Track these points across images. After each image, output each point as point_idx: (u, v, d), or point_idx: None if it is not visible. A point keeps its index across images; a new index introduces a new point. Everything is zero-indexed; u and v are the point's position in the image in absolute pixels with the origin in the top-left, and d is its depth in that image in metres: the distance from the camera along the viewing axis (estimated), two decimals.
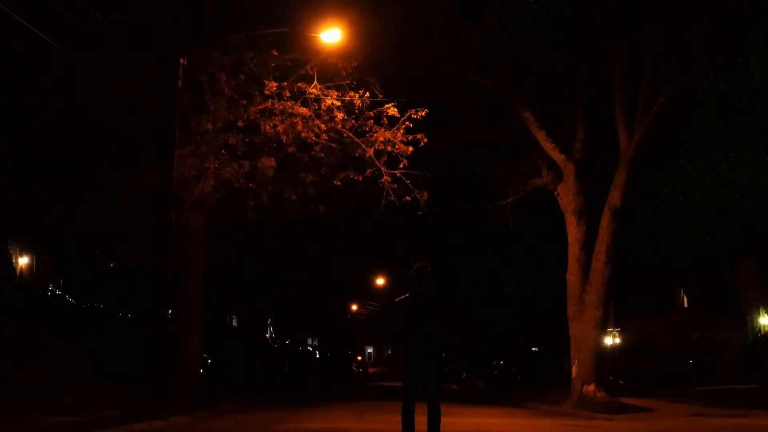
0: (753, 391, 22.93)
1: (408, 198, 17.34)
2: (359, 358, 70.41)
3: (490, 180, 22.22)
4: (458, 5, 18.38)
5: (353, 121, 17.12)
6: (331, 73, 16.94)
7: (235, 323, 45.94)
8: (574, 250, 19.60)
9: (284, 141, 16.99)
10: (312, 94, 16.78)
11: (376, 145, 17.08)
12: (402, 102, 16.86)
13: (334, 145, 17.58)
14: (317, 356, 58.83)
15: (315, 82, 16.73)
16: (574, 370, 19.01)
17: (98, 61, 16.42)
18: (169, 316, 17.28)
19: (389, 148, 17.04)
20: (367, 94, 16.80)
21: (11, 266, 25.49)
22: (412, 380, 8.44)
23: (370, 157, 17.29)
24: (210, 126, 16.71)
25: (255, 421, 15.12)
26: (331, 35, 16.01)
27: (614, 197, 18.45)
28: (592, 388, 18.27)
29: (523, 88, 19.27)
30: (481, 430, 13.65)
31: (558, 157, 19.51)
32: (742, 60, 18.94)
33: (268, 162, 17.23)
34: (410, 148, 16.92)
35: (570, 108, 20.07)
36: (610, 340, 36.45)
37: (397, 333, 8.61)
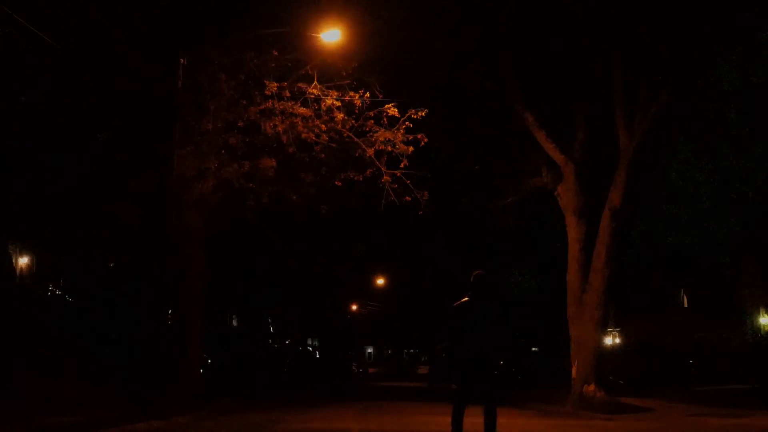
0: (753, 391, 22.93)
1: (408, 198, 17.35)
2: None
3: (490, 180, 22.22)
4: (458, 6, 18.37)
5: (353, 121, 17.14)
6: (331, 73, 16.96)
7: (235, 323, 45.88)
8: (574, 250, 19.59)
9: (284, 141, 17.00)
10: (312, 94, 16.80)
11: (377, 145, 17.11)
12: (402, 102, 16.87)
13: (334, 145, 17.60)
14: (317, 356, 58.80)
15: (315, 82, 16.75)
16: (574, 370, 19.00)
17: (98, 60, 16.42)
18: (169, 316, 17.27)
19: (389, 148, 17.06)
20: (367, 94, 16.82)
21: (11, 266, 25.42)
22: (467, 383, 8.48)
23: (370, 157, 17.31)
24: (210, 126, 16.73)
25: (255, 421, 15.10)
26: (331, 35, 16.01)
27: (614, 197, 18.43)
28: (592, 388, 18.26)
29: (523, 88, 19.26)
30: (482, 429, 13.60)
31: (558, 157, 19.49)
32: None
33: (269, 162, 17.25)
34: (410, 148, 16.94)
35: (570, 108, 20.05)
36: (610, 340, 36.43)
37: (454, 337, 8.56)
